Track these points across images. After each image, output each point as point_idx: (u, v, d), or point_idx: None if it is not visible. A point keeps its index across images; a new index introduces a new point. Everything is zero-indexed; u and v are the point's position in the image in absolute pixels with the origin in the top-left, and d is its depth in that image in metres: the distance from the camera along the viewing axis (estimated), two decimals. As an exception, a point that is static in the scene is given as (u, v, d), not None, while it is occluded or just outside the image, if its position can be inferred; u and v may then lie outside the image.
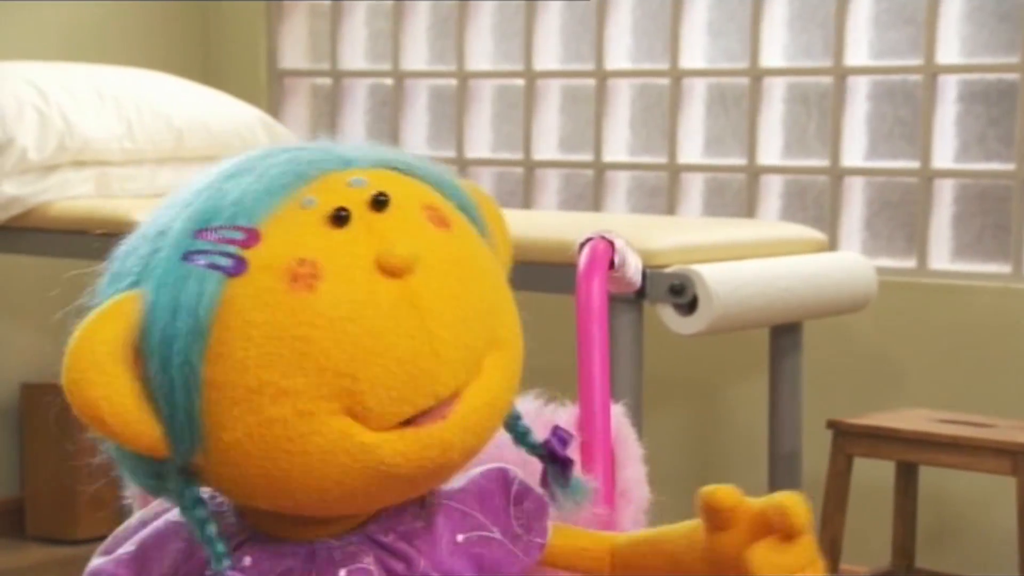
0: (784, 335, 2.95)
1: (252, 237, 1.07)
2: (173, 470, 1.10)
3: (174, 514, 1.17)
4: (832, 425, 2.87)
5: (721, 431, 3.43)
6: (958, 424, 2.81)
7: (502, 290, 1.16)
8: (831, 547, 2.87)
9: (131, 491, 1.43)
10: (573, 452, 1.26)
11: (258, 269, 1.06)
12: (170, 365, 1.06)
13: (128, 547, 1.18)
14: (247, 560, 1.14)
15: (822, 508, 2.89)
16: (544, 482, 1.23)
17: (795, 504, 1.12)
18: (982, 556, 3.14)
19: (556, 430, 1.24)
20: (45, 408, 3.75)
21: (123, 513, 1.42)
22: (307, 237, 1.07)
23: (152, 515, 1.20)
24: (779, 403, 2.96)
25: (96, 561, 1.20)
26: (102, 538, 1.31)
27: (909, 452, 2.81)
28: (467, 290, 1.11)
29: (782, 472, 2.96)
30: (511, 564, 1.18)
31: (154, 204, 3.09)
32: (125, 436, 1.07)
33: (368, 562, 1.14)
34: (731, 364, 3.42)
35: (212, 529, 1.11)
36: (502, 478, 1.22)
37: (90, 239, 3.06)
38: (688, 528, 1.20)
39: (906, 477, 3.00)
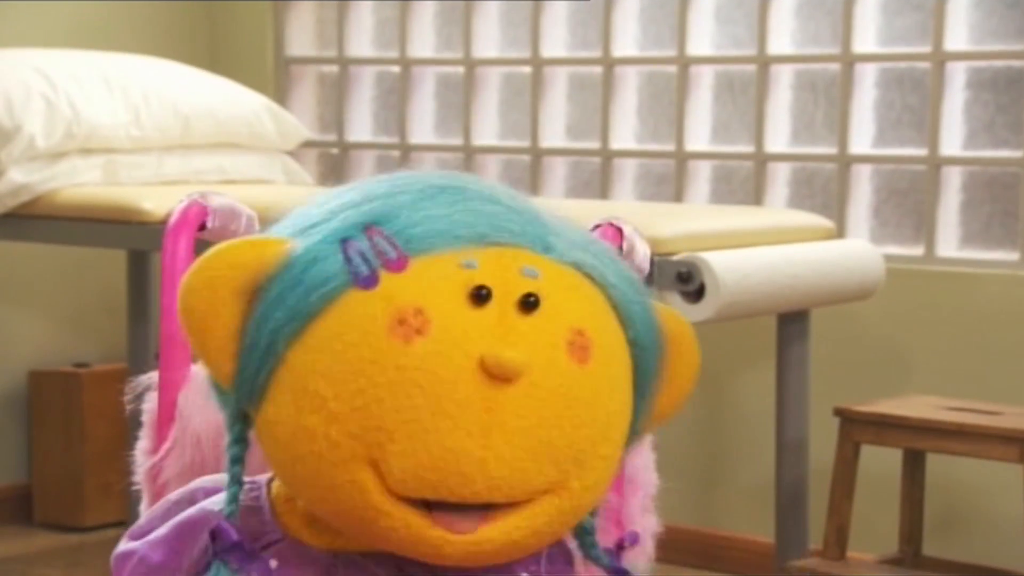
0: (791, 323, 2.95)
1: (400, 263, 1.07)
2: (233, 402, 1.13)
3: (209, 502, 1.19)
4: (839, 413, 2.87)
5: (728, 418, 3.43)
6: (965, 412, 2.80)
7: (605, 442, 1.11)
8: (838, 534, 2.87)
9: (139, 478, 1.43)
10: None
11: (381, 295, 1.06)
12: (264, 326, 1.08)
13: (161, 530, 1.19)
14: (272, 563, 1.14)
15: (829, 496, 2.89)
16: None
17: None
18: (989, 543, 3.14)
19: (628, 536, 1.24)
20: (53, 396, 3.75)
21: (131, 500, 1.42)
22: (439, 295, 1.06)
23: (187, 498, 1.21)
24: (786, 390, 2.96)
25: (127, 544, 1.21)
26: (109, 525, 1.31)
27: (916, 440, 2.81)
28: (558, 428, 1.07)
29: (789, 459, 2.96)
30: None
31: (161, 191, 3.06)
32: (201, 354, 1.11)
33: None
34: (738, 352, 3.42)
35: (237, 470, 1.14)
36: None
37: (97, 226, 3.07)
38: None
39: (913, 465, 2.99)
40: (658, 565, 1.39)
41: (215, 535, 1.13)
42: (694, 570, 3.40)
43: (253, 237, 1.12)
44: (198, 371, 1.41)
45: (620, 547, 1.22)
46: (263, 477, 1.19)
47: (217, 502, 1.17)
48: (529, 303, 1.07)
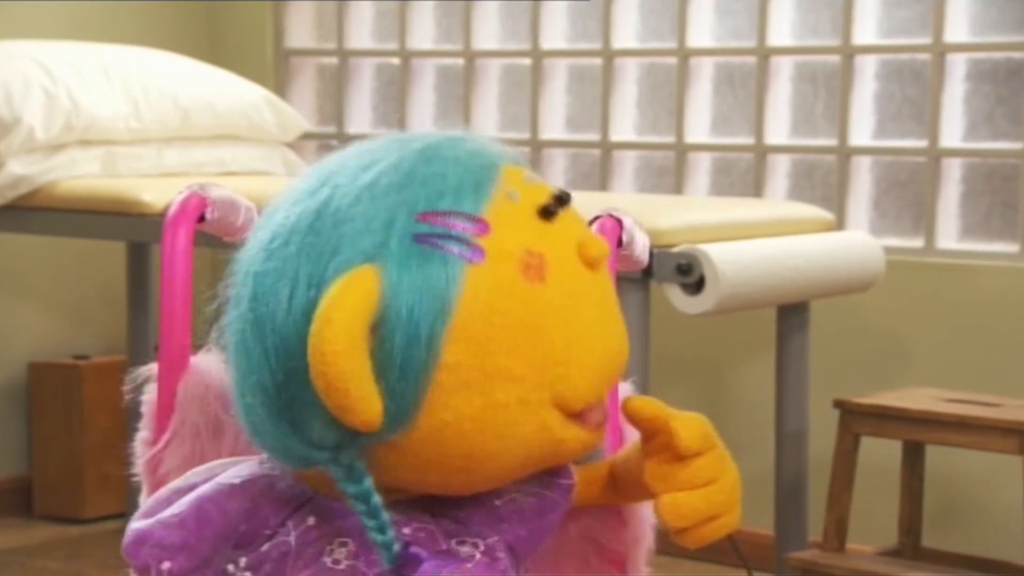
0: (791, 314, 2.95)
1: (483, 227, 1.13)
2: (357, 445, 1.12)
3: (225, 477, 1.20)
4: (839, 404, 2.87)
5: (728, 410, 3.43)
6: (965, 403, 2.80)
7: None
8: (837, 526, 2.87)
9: (139, 470, 1.43)
10: None
11: (496, 258, 1.12)
12: (416, 344, 1.09)
13: (175, 509, 1.20)
14: (311, 520, 1.18)
15: (829, 487, 2.89)
16: None
17: (684, 428, 1.18)
18: (988, 535, 3.14)
19: None
20: (53, 387, 3.75)
21: (131, 492, 1.42)
22: (528, 230, 1.14)
23: (187, 485, 1.22)
24: (786, 382, 2.96)
25: (139, 524, 1.21)
26: (109, 517, 1.31)
27: (916, 431, 2.81)
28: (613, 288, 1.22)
29: (789, 451, 2.96)
30: (550, 510, 1.23)
31: (160, 183, 3.04)
32: (356, 410, 1.09)
33: (427, 520, 1.18)
34: (738, 343, 3.42)
35: (376, 500, 1.13)
36: None
37: (97, 218, 3.07)
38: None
39: (913, 456, 2.99)
40: (658, 557, 1.39)
41: (407, 563, 1.13)
42: (693, 562, 3.40)
43: (343, 280, 1.09)
44: (197, 362, 1.41)
45: None
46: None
47: (232, 476, 1.20)
48: (564, 199, 1.18)
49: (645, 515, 1.35)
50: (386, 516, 1.13)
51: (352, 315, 1.08)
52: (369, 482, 1.13)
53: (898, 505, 3.03)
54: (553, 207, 1.16)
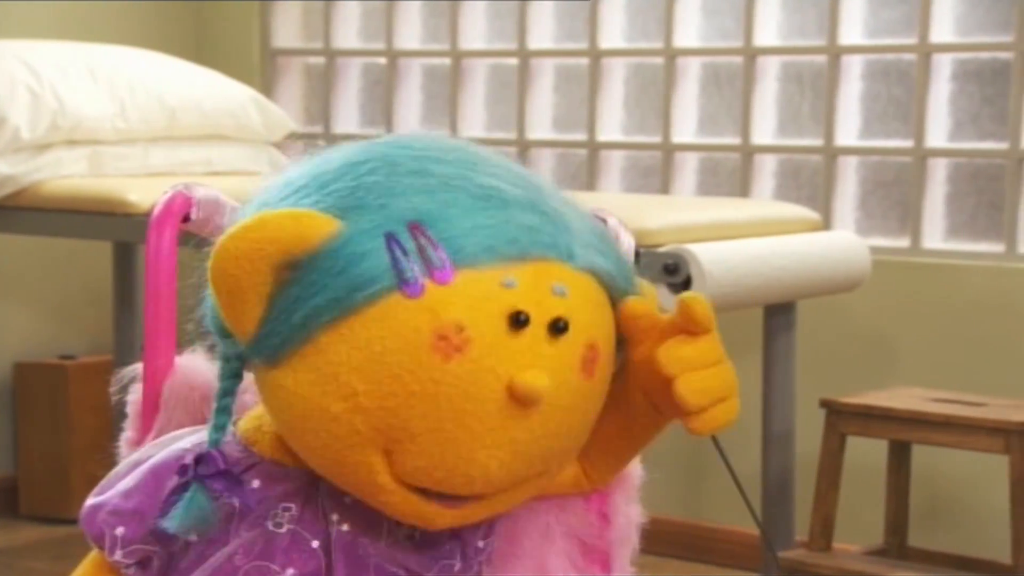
0: (778, 314, 2.95)
1: (446, 274, 1.08)
2: (240, 350, 1.16)
3: (176, 444, 1.23)
4: (825, 404, 2.87)
5: (714, 410, 3.43)
6: (951, 403, 2.81)
7: (587, 427, 1.19)
8: (824, 526, 2.87)
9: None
10: None
11: (425, 307, 1.08)
12: (299, 307, 1.10)
13: (128, 480, 1.22)
14: (256, 483, 1.19)
15: (815, 487, 2.89)
16: None
17: (696, 301, 1.18)
18: (974, 534, 3.15)
19: None
20: (39, 387, 3.75)
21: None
22: (481, 315, 1.09)
23: (143, 457, 1.24)
24: (772, 382, 2.96)
25: (94, 499, 1.23)
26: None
27: (902, 431, 2.81)
28: (557, 437, 1.14)
29: (775, 451, 2.96)
30: None
31: (146, 183, 3.02)
32: (227, 314, 1.13)
33: None
34: (725, 343, 3.41)
35: (228, 401, 1.18)
36: None
37: (83, 218, 3.06)
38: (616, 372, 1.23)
39: (899, 456, 3.00)
40: (644, 557, 1.39)
41: (200, 460, 1.17)
42: (681, 562, 3.40)
43: (296, 210, 1.11)
44: (182, 362, 1.41)
45: None
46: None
47: (188, 441, 1.22)
48: (558, 328, 1.11)
49: (630, 514, 1.35)
50: (226, 419, 1.18)
51: (269, 240, 1.09)
52: (233, 384, 1.17)
53: (884, 504, 3.03)
54: (522, 322, 1.09)
